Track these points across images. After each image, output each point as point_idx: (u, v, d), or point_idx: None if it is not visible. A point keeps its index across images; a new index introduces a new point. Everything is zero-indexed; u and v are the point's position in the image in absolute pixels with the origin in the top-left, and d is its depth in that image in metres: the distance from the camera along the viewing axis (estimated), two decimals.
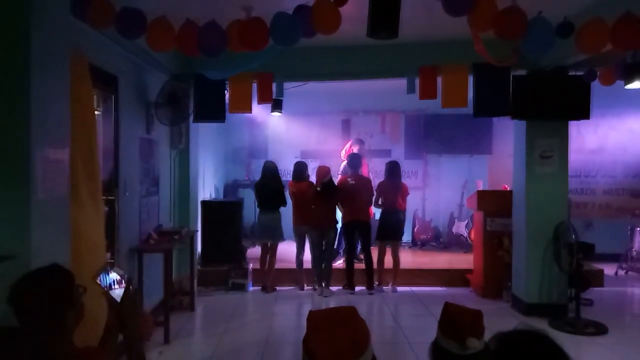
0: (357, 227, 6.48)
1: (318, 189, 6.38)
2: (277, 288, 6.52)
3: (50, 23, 2.84)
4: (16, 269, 2.22)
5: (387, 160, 7.25)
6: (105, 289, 1.79)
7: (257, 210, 6.69)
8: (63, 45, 3.02)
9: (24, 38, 2.66)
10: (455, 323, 1.51)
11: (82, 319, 1.76)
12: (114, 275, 1.83)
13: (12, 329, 1.66)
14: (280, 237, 6.53)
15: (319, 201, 6.35)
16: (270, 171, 6.61)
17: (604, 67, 5.02)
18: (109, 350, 1.77)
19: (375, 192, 6.59)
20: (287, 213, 6.64)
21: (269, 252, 6.52)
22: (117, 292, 1.80)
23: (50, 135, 2.84)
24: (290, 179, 6.66)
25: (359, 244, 6.78)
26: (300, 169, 6.57)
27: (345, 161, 7.46)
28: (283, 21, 3.40)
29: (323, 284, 6.39)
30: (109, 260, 4.05)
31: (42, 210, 2.73)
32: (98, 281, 1.79)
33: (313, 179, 6.61)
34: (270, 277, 6.50)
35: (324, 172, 6.42)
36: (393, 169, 6.63)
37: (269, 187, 6.51)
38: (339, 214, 6.64)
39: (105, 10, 3.31)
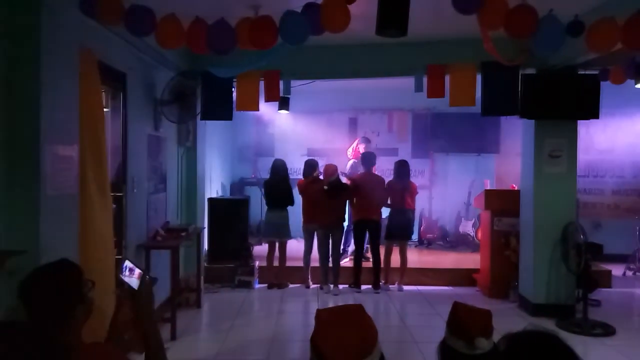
0: (367, 226, 6.45)
1: (325, 187, 6.37)
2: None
3: (59, 20, 2.86)
4: (26, 264, 2.24)
5: (394, 158, 7.22)
6: (123, 280, 1.80)
7: (264, 207, 6.69)
8: (72, 42, 3.04)
9: (33, 35, 2.68)
10: (464, 322, 1.50)
11: (91, 314, 1.77)
12: (128, 264, 1.86)
13: (21, 323, 1.67)
14: (287, 235, 6.54)
15: (326, 199, 6.34)
16: (280, 170, 6.61)
17: (614, 66, 4.98)
18: (117, 346, 1.78)
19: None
20: (295, 211, 6.64)
21: (279, 250, 6.54)
22: (133, 281, 1.81)
23: (59, 132, 2.85)
24: (301, 177, 6.63)
25: (366, 242, 6.76)
26: (312, 168, 6.55)
27: (353, 160, 7.45)
28: (292, 19, 3.40)
29: (330, 282, 6.39)
30: (116, 257, 4.07)
31: (52, 207, 2.75)
32: (122, 277, 1.80)
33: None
34: (281, 274, 6.53)
35: (331, 171, 6.42)
36: (402, 168, 6.58)
37: (278, 185, 6.51)
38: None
39: (115, 8, 3.32)
